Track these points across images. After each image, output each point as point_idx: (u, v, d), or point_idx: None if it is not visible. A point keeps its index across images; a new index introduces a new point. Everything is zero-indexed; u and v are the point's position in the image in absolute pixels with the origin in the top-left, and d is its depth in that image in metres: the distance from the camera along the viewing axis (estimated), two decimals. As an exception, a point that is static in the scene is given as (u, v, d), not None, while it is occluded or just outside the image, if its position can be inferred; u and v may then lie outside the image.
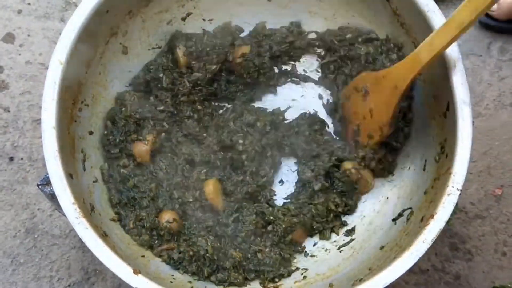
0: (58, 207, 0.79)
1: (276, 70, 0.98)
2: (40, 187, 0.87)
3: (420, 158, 0.85)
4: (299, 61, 0.98)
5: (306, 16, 0.95)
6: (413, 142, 0.88)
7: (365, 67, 0.88)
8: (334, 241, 0.89)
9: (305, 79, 0.98)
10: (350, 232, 0.89)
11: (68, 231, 1.00)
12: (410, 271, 0.70)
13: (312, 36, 0.96)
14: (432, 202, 0.75)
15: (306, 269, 0.86)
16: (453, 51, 0.75)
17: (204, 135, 0.92)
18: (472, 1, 0.66)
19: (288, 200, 0.91)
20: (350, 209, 0.89)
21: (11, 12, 1.13)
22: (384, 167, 0.89)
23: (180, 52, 0.90)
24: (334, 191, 0.89)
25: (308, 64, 0.99)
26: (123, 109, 0.88)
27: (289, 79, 0.99)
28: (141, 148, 0.87)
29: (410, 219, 0.80)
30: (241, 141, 0.89)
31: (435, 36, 0.71)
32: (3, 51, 1.10)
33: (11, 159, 1.04)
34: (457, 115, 0.74)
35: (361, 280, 0.71)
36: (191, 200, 0.86)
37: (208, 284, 0.82)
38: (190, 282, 0.81)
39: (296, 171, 0.93)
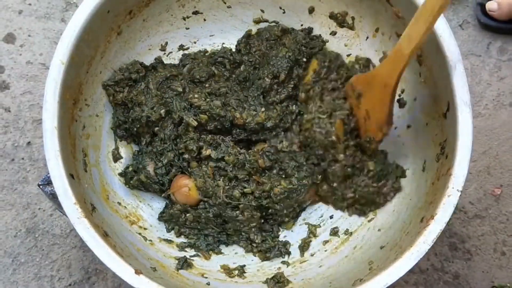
0: (58, 206, 0.79)
1: None
2: (41, 187, 0.87)
3: (420, 158, 0.85)
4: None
5: (306, 14, 0.95)
6: (413, 143, 0.88)
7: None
8: (335, 241, 0.89)
9: None
10: (350, 232, 0.89)
11: (69, 230, 1.00)
12: (410, 271, 0.70)
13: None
14: (432, 203, 0.75)
15: (305, 270, 0.86)
16: (453, 53, 0.76)
17: None
18: None
19: None
20: None
21: (12, 12, 1.12)
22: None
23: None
24: None
25: None
26: None
27: None
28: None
29: (410, 219, 0.80)
30: None
31: (411, 28, 0.71)
32: (4, 51, 1.10)
33: (12, 159, 1.04)
34: (457, 115, 0.74)
35: (361, 281, 0.72)
36: None
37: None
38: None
39: None
